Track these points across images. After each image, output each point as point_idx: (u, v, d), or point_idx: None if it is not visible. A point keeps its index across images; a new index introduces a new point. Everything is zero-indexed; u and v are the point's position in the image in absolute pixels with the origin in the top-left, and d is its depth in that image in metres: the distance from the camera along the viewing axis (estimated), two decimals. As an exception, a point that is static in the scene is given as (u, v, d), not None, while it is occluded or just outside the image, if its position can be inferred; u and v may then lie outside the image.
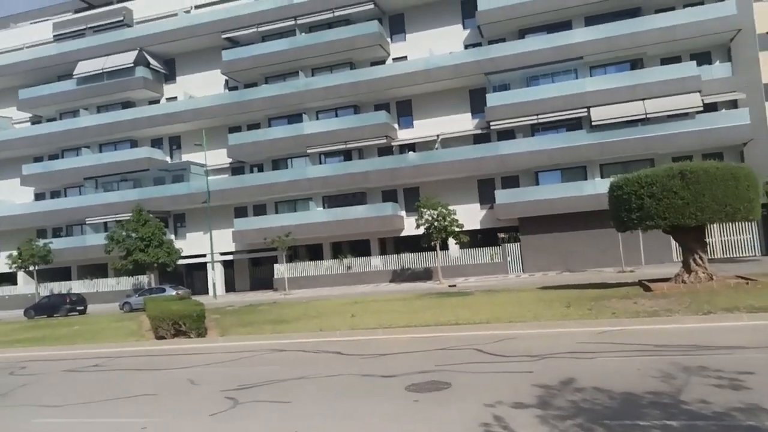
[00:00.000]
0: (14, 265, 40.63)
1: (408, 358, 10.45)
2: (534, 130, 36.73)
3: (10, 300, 44.45)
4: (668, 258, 33.04)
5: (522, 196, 35.43)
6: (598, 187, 34.01)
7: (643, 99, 33.17)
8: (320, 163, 41.02)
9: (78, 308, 34.98)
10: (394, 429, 6.44)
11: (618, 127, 33.83)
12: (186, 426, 7.29)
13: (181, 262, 40.95)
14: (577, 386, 7.37)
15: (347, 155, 40.68)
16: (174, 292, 32.56)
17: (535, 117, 35.20)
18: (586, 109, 34.16)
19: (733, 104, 33.38)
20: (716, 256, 32.48)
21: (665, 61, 34.83)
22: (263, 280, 42.79)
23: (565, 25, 36.35)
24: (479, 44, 38.34)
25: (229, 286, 43.60)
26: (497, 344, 10.77)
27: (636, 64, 35.31)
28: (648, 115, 33.05)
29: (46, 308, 34.92)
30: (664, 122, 33.37)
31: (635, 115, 33.28)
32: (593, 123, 33.98)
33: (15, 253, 40.37)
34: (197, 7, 43.83)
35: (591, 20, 35.67)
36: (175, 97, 44.29)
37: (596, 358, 9.04)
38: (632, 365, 8.35)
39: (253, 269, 45.05)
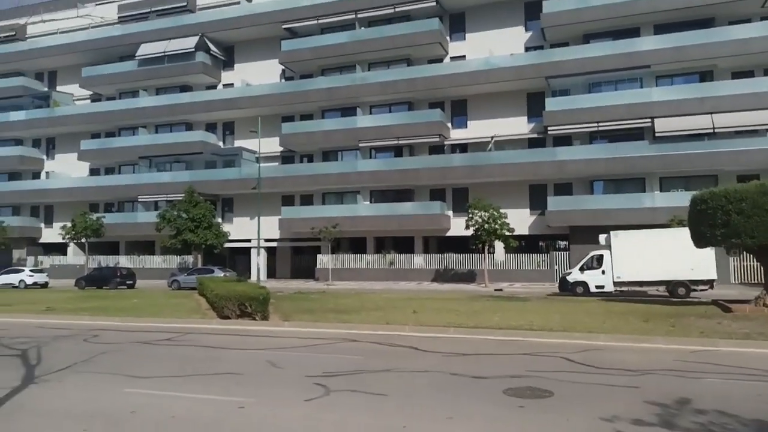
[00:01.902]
0: (67, 236, 41.80)
1: (492, 360, 10.16)
2: (593, 137, 35.85)
3: (59, 269, 45.71)
4: (725, 279, 31.78)
5: (576, 204, 34.66)
6: (656, 200, 33.13)
7: (711, 113, 32.00)
8: (371, 157, 40.91)
9: (127, 282, 35.75)
10: (510, 435, 6.16)
11: (682, 140, 32.73)
12: (284, 409, 7.16)
13: (226, 245, 41.49)
14: (695, 407, 6.97)
15: (398, 151, 40.51)
16: (222, 274, 32.99)
17: (596, 124, 34.35)
18: (649, 120, 33.18)
19: (806, 123, 31.87)
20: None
21: (736, 75, 33.58)
22: (304, 269, 42.98)
23: (633, 32, 35.36)
24: (540, 47, 37.64)
25: (271, 273, 43.92)
26: (584, 354, 10.38)
27: (705, 76, 34.10)
28: (715, 130, 31.88)
29: (97, 279, 35.80)
30: (731, 138, 32.13)
31: (702, 129, 32.14)
32: (657, 134, 32.97)
33: (69, 224, 41.52)
34: (259, -5, 44.24)
35: (660, 29, 34.61)
36: (232, 84, 44.85)
37: (703, 378, 8.58)
38: (748, 390, 7.89)
39: (294, 258, 45.30)
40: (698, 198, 16.91)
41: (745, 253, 29.69)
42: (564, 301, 21.01)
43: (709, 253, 22.78)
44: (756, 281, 31.53)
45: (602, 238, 26.59)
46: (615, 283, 25.18)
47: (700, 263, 23.06)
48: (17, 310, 18.92)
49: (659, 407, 7.00)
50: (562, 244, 37.61)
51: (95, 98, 49.03)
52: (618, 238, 25.51)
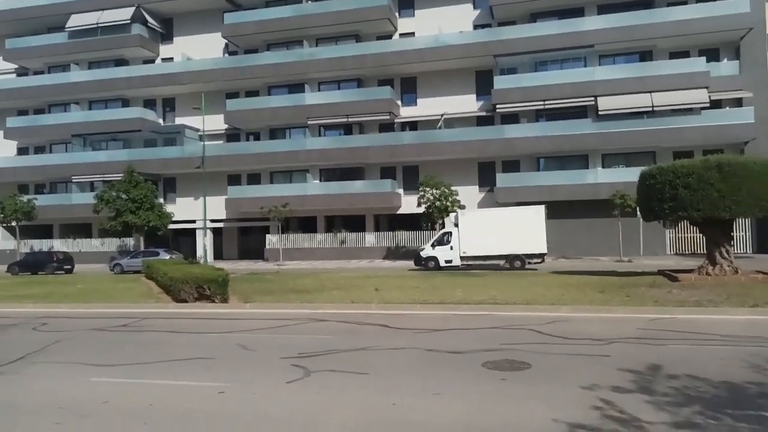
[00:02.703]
0: (-4, 220, 39.14)
1: (464, 334, 10.27)
2: (539, 115, 36.64)
3: (-14, 256, 42.86)
4: (662, 251, 33.64)
5: (523, 180, 35.47)
6: (599, 176, 34.37)
7: (651, 92, 33.31)
8: (320, 135, 40.28)
9: (65, 267, 34.03)
10: (504, 408, 6.23)
11: (623, 118, 33.95)
12: (267, 392, 6.97)
13: (169, 226, 40.07)
14: (667, 373, 7.28)
15: (347, 129, 40.07)
16: (168, 256, 31.91)
17: (542, 103, 35.08)
18: (593, 98, 34.18)
19: (738, 102, 33.76)
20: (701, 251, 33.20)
21: (674, 55, 34.99)
22: (252, 250, 42.19)
23: (578, 12, 36.13)
24: (488, 25, 37.87)
25: (217, 254, 42.86)
26: (552, 326, 10.67)
27: (645, 56, 35.38)
28: (654, 108, 33.22)
29: (31, 265, 33.87)
30: (668, 116, 33.60)
31: (642, 107, 33.43)
32: (600, 112, 34.04)
33: (-3, 207, 38.87)
34: (199, -35, 42.17)
35: (604, 9, 35.53)
36: (172, 58, 42.84)
37: (667, 345, 8.99)
38: (710, 354, 8.32)
39: (241, 238, 44.35)
40: (647, 173, 17.61)
41: (679, 225, 31.47)
42: (519, 276, 21.56)
43: (540, 230, 26.19)
44: (689, 252, 33.51)
45: (453, 216, 28.82)
46: (462, 258, 27.30)
47: (532, 239, 26.14)
48: (-52, 299, 17.59)
49: (633, 374, 7.27)
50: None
51: (21, 72, 45.71)
52: (465, 216, 28.03)
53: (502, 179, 35.85)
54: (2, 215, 38.63)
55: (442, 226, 35.38)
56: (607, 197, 31.25)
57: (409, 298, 14.58)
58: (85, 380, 7.75)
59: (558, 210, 34.89)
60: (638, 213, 29.70)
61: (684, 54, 34.66)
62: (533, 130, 35.38)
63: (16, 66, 45.28)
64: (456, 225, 28.13)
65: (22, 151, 45.67)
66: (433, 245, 28.46)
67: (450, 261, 27.63)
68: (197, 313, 13.70)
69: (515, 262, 26.62)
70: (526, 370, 7.69)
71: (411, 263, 33.83)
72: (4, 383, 7.71)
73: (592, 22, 34.72)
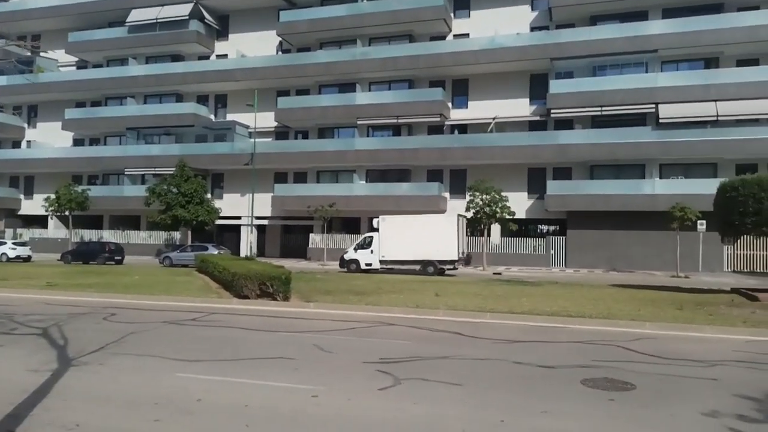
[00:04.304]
0: (51, 208, 40.20)
1: (547, 348, 9.79)
2: (595, 122, 35.63)
3: (40, 243, 44.13)
4: (719, 268, 32.20)
5: (575, 189, 34.55)
6: (656, 187, 33.21)
7: (716, 100, 32.00)
8: (368, 135, 40.12)
9: (116, 258, 34.69)
10: None
11: (685, 126, 32.72)
12: (361, 399, 6.66)
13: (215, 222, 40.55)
14: (795, 402, 6.67)
15: (396, 130, 39.80)
16: (216, 251, 32.22)
17: (599, 108, 34.12)
18: (654, 105, 33.05)
19: (809, 114, 32.09)
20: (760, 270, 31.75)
21: (741, 62, 33.60)
22: (293, 248, 42.31)
23: (641, 16, 35.05)
24: (546, 27, 37.10)
25: (260, 251, 43.14)
26: (639, 343, 10.08)
27: (711, 62, 34.08)
28: (719, 118, 31.89)
29: (84, 254, 34.66)
30: (733, 126, 32.22)
31: (706, 116, 32.17)
32: (660, 120, 32.90)
33: (53, 196, 39.95)
34: (257, -37, 42.60)
35: (668, 13, 34.47)
36: (226, 55, 43.43)
37: (779, 370, 8.33)
38: (833, 383, 7.65)
39: (284, 236, 44.54)
40: (728, 185, 16.70)
41: (738, 242, 30.01)
42: (574, 286, 20.83)
43: (451, 238, 27.33)
44: (746, 269, 32.01)
45: (375, 221, 29.64)
46: (381, 261, 28.52)
47: (444, 246, 27.26)
48: (15, 285, 17.98)
49: (753, 402, 6.69)
50: (547, 228, 37.94)
51: (81, 65, 47.05)
52: (385, 222, 28.88)
53: (553, 186, 35.00)
54: (57, 204, 39.68)
55: (488, 232, 34.76)
56: (665, 209, 30.10)
57: (475, 305, 14.13)
58: (171, 375, 7.60)
59: (610, 220, 33.90)
60: (699, 227, 28.75)
61: (753, 62, 33.18)
62: (588, 137, 34.40)
63: (77, 59, 46.61)
64: (376, 229, 28.94)
65: (77, 142, 46.98)
66: (355, 249, 29.65)
67: (370, 264, 28.75)
68: (262, 311, 13.56)
69: (428, 268, 27.45)
70: (632, 390, 7.18)
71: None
72: (92, 374, 7.62)
73: (656, 27, 33.58)
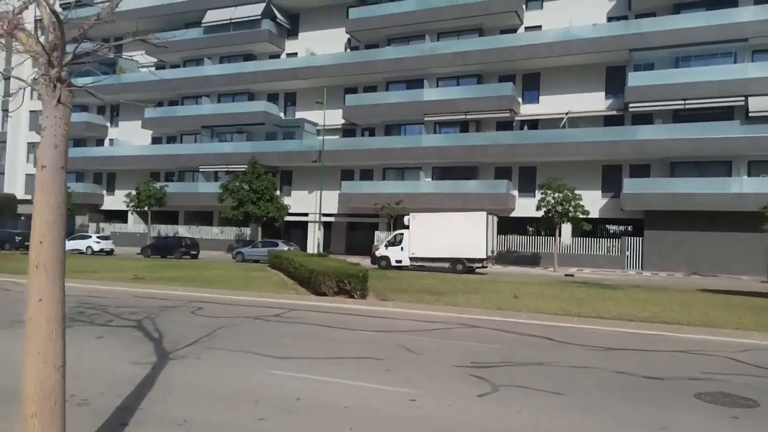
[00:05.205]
0: (131, 204, 42.22)
1: (648, 357, 9.22)
2: (676, 116, 33.75)
3: (120, 237, 46.36)
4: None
5: (654, 187, 32.89)
6: (744, 185, 31.12)
7: (814, 92, 29.55)
8: (435, 132, 39.75)
9: (191, 252, 36.01)
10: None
11: (777, 120, 30.43)
12: (460, 405, 6.43)
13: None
14: None
15: (464, 126, 39.20)
16: (286, 247, 32.86)
17: (682, 102, 32.30)
18: (743, 98, 30.95)
19: None
20: None
21: (844, 51, 30.86)
22: (359, 246, 42.39)
23: (729, 2, 32.85)
24: (624, 17, 35.43)
25: (326, 248, 43.63)
26: (749, 354, 9.34)
27: (808, 52, 31.48)
28: (818, 111, 29.45)
29: (162, 248, 36.18)
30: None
31: (803, 110, 29.76)
32: (750, 114, 30.78)
33: (133, 192, 41.94)
34: (327, -37, 43.01)
35: (761, -1, 32.02)
36: (296, 53, 44.19)
37: None
38: None
39: (349, 233, 44.84)
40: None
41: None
42: (659, 290, 19.74)
43: (480, 236, 27.33)
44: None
45: (405, 219, 29.91)
46: (411, 259, 28.82)
47: (474, 244, 27.39)
48: (105, 277, 18.90)
49: None
50: (621, 227, 36.37)
51: (159, 65, 49.15)
52: (415, 219, 29.23)
53: (630, 185, 33.46)
54: (137, 200, 41.64)
55: (559, 232, 33.63)
56: (754, 209, 28.16)
57: (557, 308, 13.59)
58: (266, 372, 7.63)
59: (691, 221, 32.07)
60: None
61: None
62: (669, 132, 32.62)
63: (156, 60, 48.69)
64: (407, 227, 29.27)
65: (155, 140, 49.13)
66: (386, 245, 30.13)
67: (400, 261, 29.10)
68: (342, 308, 13.58)
69: (457, 266, 27.68)
70: (756, 408, 6.59)
71: (525, 269, 32.65)
72: (191, 367, 7.77)
73: (747, 13, 31.39)
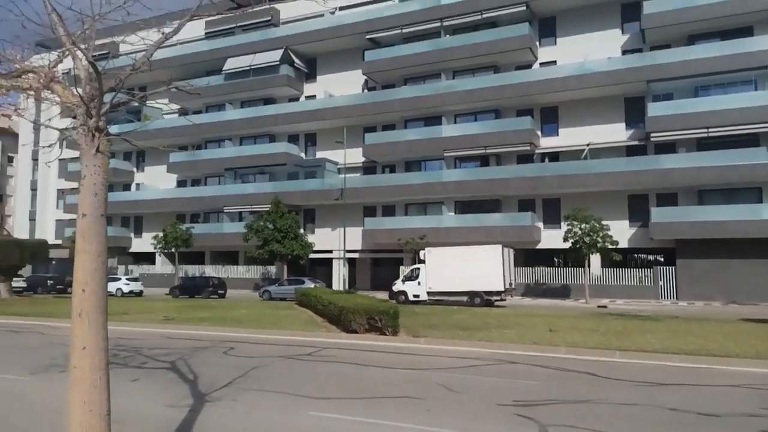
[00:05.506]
0: (159, 246, 42.75)
1: (699, 392, 8.85)
2: (700, 144, 33.39)
3: (148, 278, 46.84)
4: None
5: (684, 215, 32.30)
6: (776, 212, 30.38)
7: (840, 116, 29.08)
8: (455, 167, 39.85)
9: (219, 292, 36.19)
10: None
11: (805, 146, 29.93)
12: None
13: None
14: None
15: (484, 161, 39.26)
16: (312, 284, 32.81)
17: (705, 130, 32.00)
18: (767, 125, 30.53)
19: None
20: None
21: None
22: (383, 281, 42.05)
23: (744, 32, 32.78)
24: (639, 50, 35.57)
25: (350, 284, 43.46)
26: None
27: (832, 76, 31.14)
28: None
29: (190, 289, 36.41)
30: None
31: (830, 134, 29.24)
32: (776, 140, 30.29)
33: (161, 234, 42.51)
34: (342, 8, 44.18)
35: (778, 26, 31.97)
36: (314, 96, 45.05)
37: None
38: None
39: (374, 269, 44.66)
40: None
41: None
42: (700, 320, 19.12)
43: (497, 269, 27.33)
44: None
45: (421, 253, 30.32)
46: (428, 293, 28.80)
47: (491, 277, 27.28)
48: (135, 319, 18.99)
49: None
50: (651, 257, 35.52)
51: (182, 112, 50.45)
52: (431, 253, 29.51)
53: (658, 214, 32.93)
54: (164, 242, 42.19)
55: (588, 263, 33.07)
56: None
57: (596, 342, 13.22)
58: (304, 413, 7.50)
59: (724, 249, 31.31)
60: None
61: None
62: (694, 160, 32.22)
63: (179, 106, 50.03)
64: (423, 261, 29.43)
65: (180, 183, 50.05)
66: (403, 280, 30.18)
67: (417, 296, 29.03)
68: (374, 346, 13.39)
69: (475, 299, 27.46)
70: (825, 446, 6.23)
71: (555, 301, 32.03)
72: (227, 409, 7.67)
73: (763, 42, 31.24)
